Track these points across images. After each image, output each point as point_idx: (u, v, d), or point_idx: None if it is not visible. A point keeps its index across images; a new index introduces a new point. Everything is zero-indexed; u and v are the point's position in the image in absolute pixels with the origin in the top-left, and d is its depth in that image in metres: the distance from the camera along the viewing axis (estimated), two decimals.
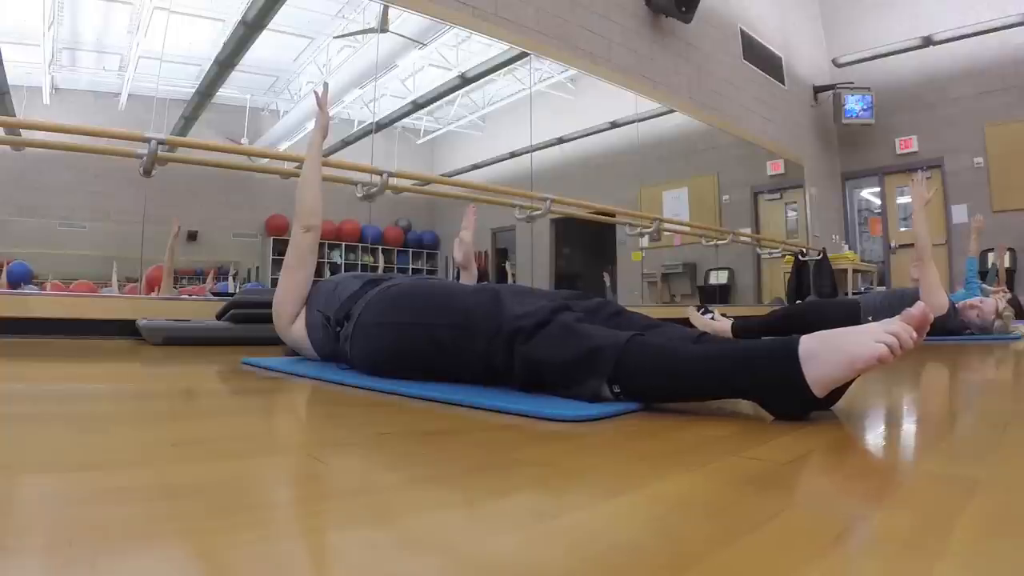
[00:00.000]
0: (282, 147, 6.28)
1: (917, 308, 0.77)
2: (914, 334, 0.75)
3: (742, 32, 6.64)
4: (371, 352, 1.20)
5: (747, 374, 0.81)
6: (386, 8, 4.06)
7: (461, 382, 1.08)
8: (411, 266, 7.14)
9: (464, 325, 1.04)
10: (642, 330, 1.00)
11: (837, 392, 0.80)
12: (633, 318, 1.16)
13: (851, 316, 3.07)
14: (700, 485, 0.53)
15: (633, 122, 5.24)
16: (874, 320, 2.87)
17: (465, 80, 5.79)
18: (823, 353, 0.75)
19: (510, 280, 5.91)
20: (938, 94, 7.70)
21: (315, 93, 1.68)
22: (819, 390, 0.76)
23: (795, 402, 0.79)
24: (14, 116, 4.64)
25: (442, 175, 5.79)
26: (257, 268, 6.27)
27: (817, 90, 8.13)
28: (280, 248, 5.97)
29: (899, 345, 0.73)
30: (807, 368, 0.76)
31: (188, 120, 5.43)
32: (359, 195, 3.20)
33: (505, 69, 5.17)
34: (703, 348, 0.87)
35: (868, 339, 0.74)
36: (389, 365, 1.17)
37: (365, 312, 1.21)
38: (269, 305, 1.53)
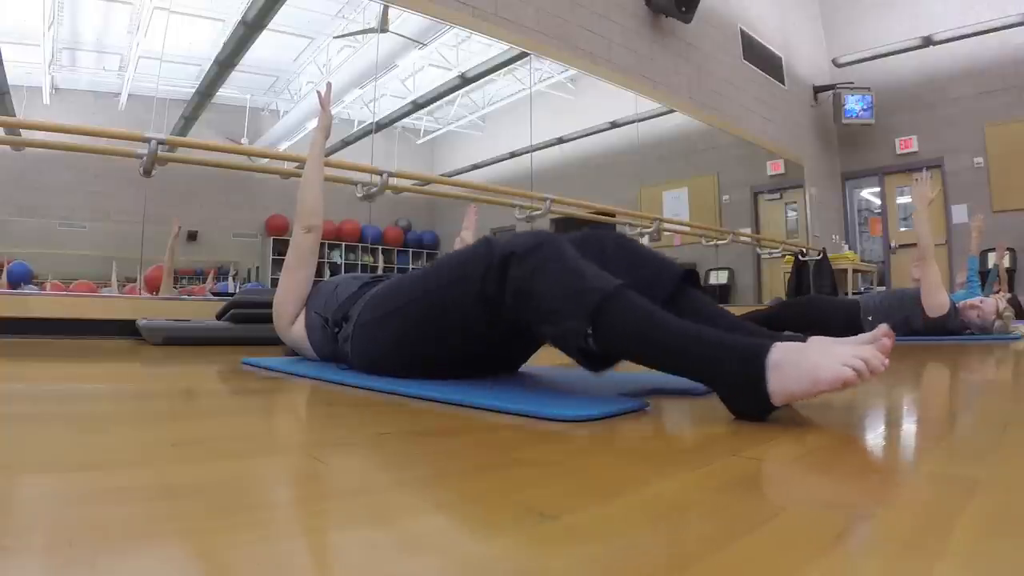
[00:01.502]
0: (282, 147, 6.28)
1: (880, 330, 0.77)
2: (885, 360, 0.75)
3: (742, 32, 6.65)
4: (371, 349, 1.20)
5: (715, 366, 0.81)
6: (386, 8, 4.06)
7: (465, 351, 1.10)
8: (411, 266, 7.14)
9: (460, 273, 1.04)
10: (638, 263, 1.05)
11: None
12: (631, 246, 1.15)
13: (851, 316, 3.07)
14: (700, 485, 0.53)
15: (633, 122, 5.24)
16: (874, 320, 2.89)
17: (465, 80, 5.80)
18: (789, 367, 0.75)
19: None
20: (938, 94, 7.70)
21: (318, 93, 1.69)
22: (778, 400, 0.77)
23: (753, 405, 0.79)
24: (14, 116, 4.64)
25: (442, 175, 5.79)
26: (257, 268, 6.27)
27: (817, 90, 8.13)
28: (280, 248, 5.96)
29: (867, 370, 0.73)
30: (771, 377, 0.76)
31: (188, 120, 5.43)
32: (359, 195, 3.21)
33: (505, 69, 5.17)
34: (683, 325, 0.84)
35: (835, 362, 0.73)
36: (390, 360, 1.17)
37: (364, 311, 1.21)
38: (269, 305, 1.53)
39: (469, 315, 1.04)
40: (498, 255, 0.96)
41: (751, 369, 0.77)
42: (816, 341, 0.80)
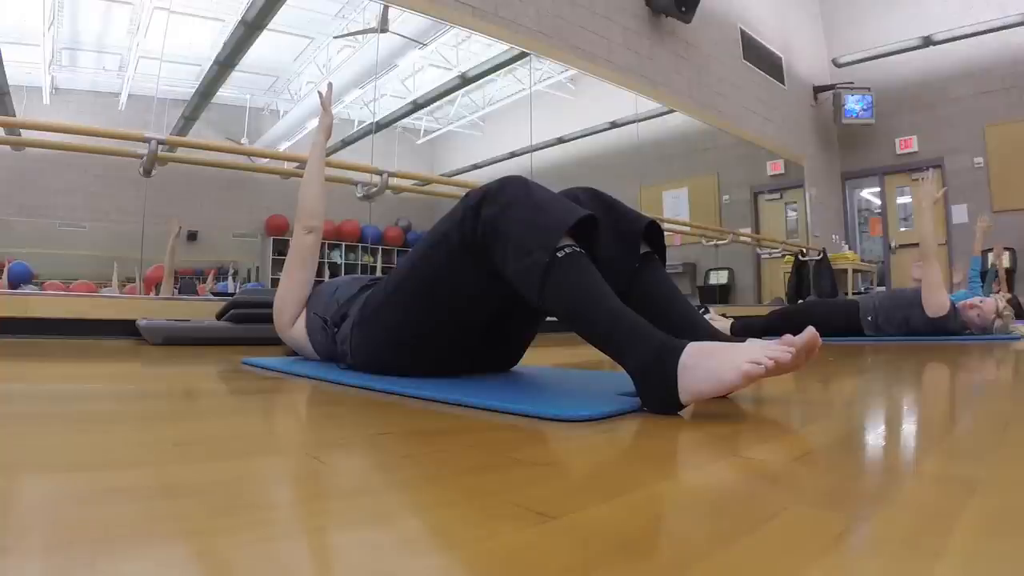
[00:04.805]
0: (282, 147, 6.28)
1: (806, 333, 0.79)
2: (790, 350, 0.77)
3: (742, 32, 6.65)
4: (369, 344, 1.20)
5: (633, 357, 0.83)
6: (386, 8, 4.06)
7: (460, 330, 1.12)
8: None
9: (443, 230, 1.05)
10: (608, 210, 1.08)
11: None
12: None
13: (850, 316, 3.07)
14: (700, 485, 0.53)
15: (633, 122, 5.24)
16: (873, 320, 2.88)
17: (465, 80, 5.79)
18: (699, 368, 0.78)
19: None
20: (938, 94, 7.70)
21: (319, 94, 1.69)
22: (686, 398, 0.79)
23: (664, 401, 0.81)
24: (14, 116, 4.64)
25: (442, 175, 5.79)
26: (257, 268, 6.27)
27: (817, 90, 8.14)
28: (280, 248, 5.96)
29: (771, 362, 0.76)
30: (682, 375, 0.79)
31: (188, 120, 5.43)
32: (359, 195, 3.21)
33: (505, 69, 5.17)
34: (616, 307, 0.86)
35: (739, 361, 0.76)
36: (388, 352, 1.17)
37: (363, 309, 1.21)
38: (269, 305, 1.53)
39: (456, 273, 1.04)
40: (473, 199, 0.99)
41: (664, 367, 0.80)
42: (728, 344, 0.82)
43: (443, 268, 1.05)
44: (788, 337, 0.80)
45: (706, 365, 0.78)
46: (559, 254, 0.87)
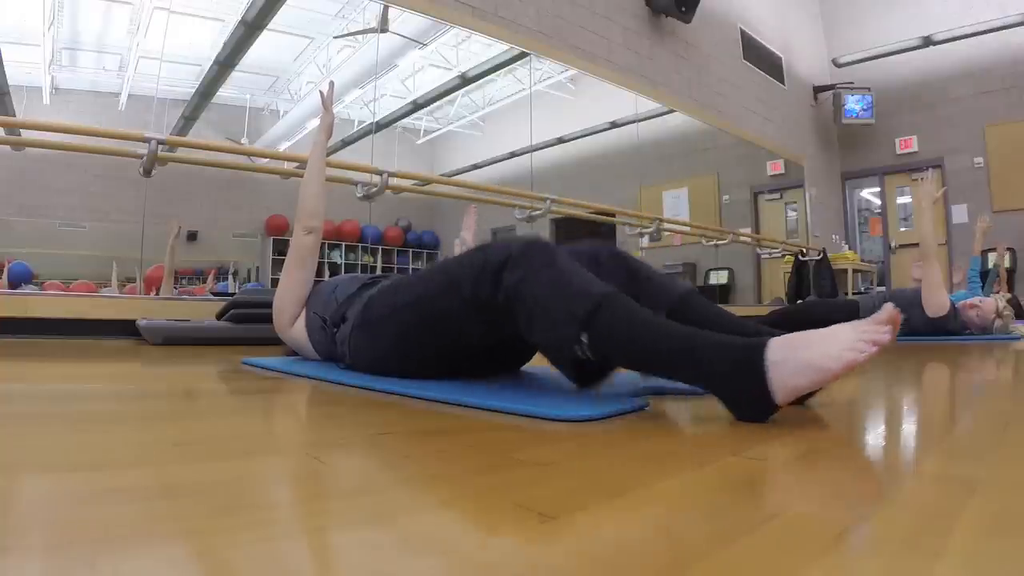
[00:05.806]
0: (282, 147, 6.28)
1: (885, 311, 0.75)
2: (887, 329, 0.73)
3: (742, 32, 6.64)
4: (369, 351, 1.20)
5: (713, 370, 0.77)
6: (386, 8, 4.06)
7: (464, 354, 1.11)
8: (411, 266, 7.13)
9: (450, 280, 1.02)
10: (634, 277, 1.04)
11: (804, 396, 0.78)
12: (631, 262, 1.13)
13: (850, 316, 3.07)
14: (700, 485, 0.53)
15: (633, 122, 5.24)
16: None
17: (465, 80, 5.80)
18: (790, 361, 0.73)
19: None
20: (938, 94, 7.70)
21: (320, 93, 1.68)
22: (782, 398, 0.74)
23: (756, 407, 0.76)
24: (14, 116, 4.64)
25: (442, 175, 5.79)
26: (257, 268, 6.27)
27: (817, 90, 8.13)
28: (280, 248, 5.96)
29: (873, 346, 0.72)
30: (772, 374, 0.73)
31: (188, 120, 5.43)
32: (359, 195, 3.21)
33: (505, 69, 5.17)
34: (679, 330, 0.82)
35: (838, 349, 0.71)
36: (389, 362, 1.17)
37: (364, 311, 1.21)
38: (269, 305, 1.53)
39: (463, 322, 1.03)
40: (493, 260, 0.95)
41: (750, 369, 0.74)
42: (816, 332, 0.77)
43: (452, 311, 1.03)
44: (880, 317, 0.75)
45: (799, 357, 0.72)
46: (584, 338, 0.83)
